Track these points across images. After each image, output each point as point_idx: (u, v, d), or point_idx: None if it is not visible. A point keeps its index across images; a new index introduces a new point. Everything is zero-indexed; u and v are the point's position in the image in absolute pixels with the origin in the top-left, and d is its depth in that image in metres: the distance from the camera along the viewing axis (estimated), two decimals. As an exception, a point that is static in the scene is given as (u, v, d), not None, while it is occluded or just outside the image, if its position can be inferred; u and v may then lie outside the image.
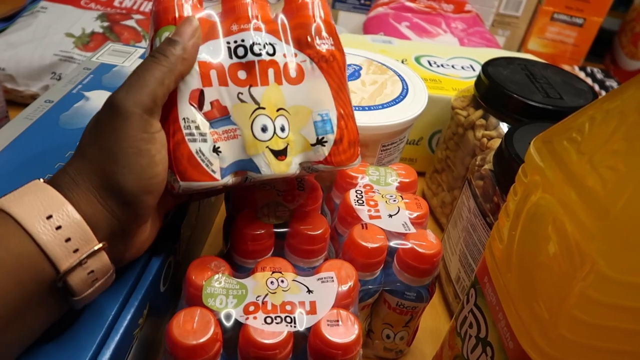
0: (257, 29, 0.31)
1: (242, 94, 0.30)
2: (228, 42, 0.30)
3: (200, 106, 0.29)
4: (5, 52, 0.62)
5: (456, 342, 0.34)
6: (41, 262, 0.23)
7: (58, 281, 0.24)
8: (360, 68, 0.50)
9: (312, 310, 0.29)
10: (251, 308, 0.29)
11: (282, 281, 0.31)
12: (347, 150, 0.32)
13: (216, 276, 0.30)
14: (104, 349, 0.27)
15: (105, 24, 0.67)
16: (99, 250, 0.25)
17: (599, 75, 0.91)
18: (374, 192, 0.39)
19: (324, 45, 0.32)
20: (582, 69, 0.92)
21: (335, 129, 0.32)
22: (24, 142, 0.39)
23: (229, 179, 0.30)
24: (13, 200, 0.24)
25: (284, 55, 0.31)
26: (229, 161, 0.30)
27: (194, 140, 0.29)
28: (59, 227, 0.24)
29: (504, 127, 0.48)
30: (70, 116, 0.42)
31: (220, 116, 0.30)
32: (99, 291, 0.26)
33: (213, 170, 0.29)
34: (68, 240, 0.24)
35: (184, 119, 0.29)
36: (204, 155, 0.29)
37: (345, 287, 0.31)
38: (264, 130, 0.30)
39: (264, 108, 0.30)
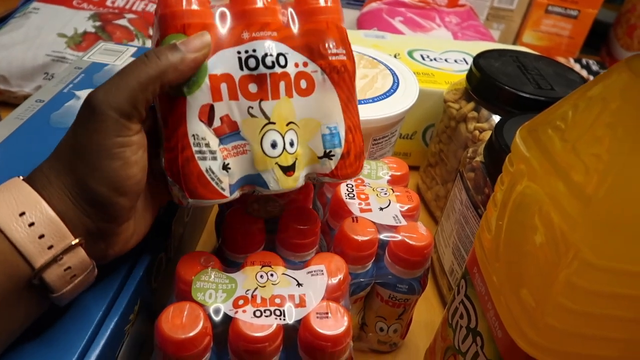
0: (269, 37, 0.29)
1: (252, 108, 0.29)
2: (239, 52, 0.29)
3: (210, 122, 0.28)
4: (-3, 53, 0.62)
5: (448, 334, 0.34)
6: (15, 259, 0.23)
7: (34, 278, 0.24)
8: (352, 63, 0.50)
9: (302, 304, 0.29)
10: (240, 302, 0.29)
11: (272, 275, 0.31)
12: (353, 164, 0.32)
13: (206, 271, 0.30)
14: (93, 345, 0.27)
15: (98, 23, 0.67)
16: (75, 246, 0.25)
17: (595, 67, 0.91)
18: (365, 185, 0.39)
19: (336, 56, 0.31)
20: (578, 61, 0.92)
21: (343, 142, 0.31)
22: (15, 141, 0.39)
23: (237, 194, 0.30)
24: None
25: (296, 65, 0.30)
26: (238, 177, 0.30)
27: (204, 159, 0.28)
28: (32, 224, 0.23)
29: (496, 119, 0.48)
30: (61, 115, 0.42)
31: (230, 132, 0.29)
32: (81, 287, 0.26)
33: (222, 188, 0.29)
34: (42, 236, 0.24)
35: (193, 135, 0.28)
36: (213, 173, 0.29)
37: (335, 280, 0.31)
38: (273, 147, 0.30)
39: (274, 123, 0.30)
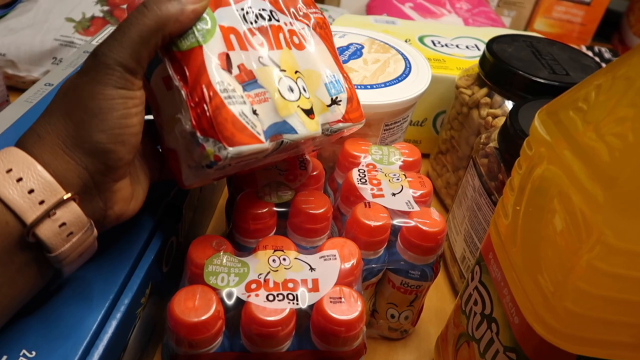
0: None
1: (262, 57, 0.30)
2: (237, 10, 0.30)
3: (229, 70, 0.28)
4: (5, 38, 0.61)
5: (461, 320, 0.34)
6: (5, 216, 0.23)
7: (27, 235, 0.23)
8: (363, 47, 0.50)
9: (315, 288, 0.29)
10: (253, 286, 0.29)
11: (284, 259, 0.31)
12: (357, 109, 0.35)
13: (218, 254, 0.30)
14: (105, 327, 0.27)
15: (106, 8, 0.67)
16: (67, 200, 0.24)
17: (607, 55, 0.89)
18: (377, 171, 0.39)
19: (314, 14, 0.34)
20: (590, 48, 0.91)
21: (344, 88, 0.34)
22: (24, 124, 0.38)
23: (269, 144, 0.29)
24: None
25: (285, 24, 0.32)
26: (266, 125, 0.29)
27: (235, 103, 0.27)
28: (20, 179, 0.23)
29: (509, 105, 0.47)
30: (71, 99, 0.42)
31: (248, 80, 0.29)
32: (82, 250, 0.25)
33: (258, 132, 0.28)
34: (31, 191, 0.23)
35: (218, 83, 0.27)
36: (247, 117, 0.28)
37: (348, 265, 0.30)
38: (291, 91, 0.30)
39: (285, 70, 0.30)
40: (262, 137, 0.28)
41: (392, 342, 0.42)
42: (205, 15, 0.28)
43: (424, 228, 0.34)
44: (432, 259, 0.36)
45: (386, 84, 0.44)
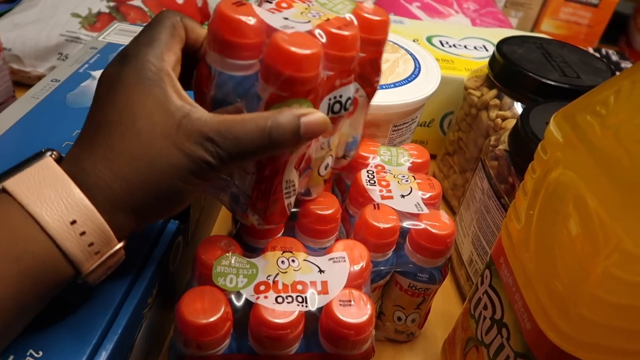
0: (352, 81, 0.29)
1: (323, 143, 0.31)
2: (329, 99, 0.29)
3: (298, 166, 0.29)
4: (10, 33, 0.61)
5: (470, 325, 0.34)
6: (63, 264, 0.23)
7: (78, 280, 0.24)
8: (371, 47, 0.49)
9: (324, 290, 0.29)
10: (262, 287, 0.28)
11: (293, 261, 0.30)
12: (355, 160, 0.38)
13: (226, 255, 0.30)
14: (114, 326, 0.27)
15: (112, 3, 0.66)
16: (119, 249, 0.24)
17: (614, 57, 0.89)
18: (385, 172, 0.38)
19: (377, 83, 0.33)
20: (597, 50, 0.90)
21: (357, 145, 0.36)
22: (30, 120, 0.39)
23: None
24: (30, 193, 0.22)
25: (355, 92, 0.31)
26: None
27: (289, 197, 0.30)
28: (83, 233, 0.23)
29: (519, 107, 0.46)
30: (77, 95, 0.42)
31: (305, 167, 0.31)
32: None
33: (290, 210, 0.31)
34: (91, 245, 0.23)
35: (286, 181, 0.29)
36: (291, 204, 0.31)
37: (357, 267, 0.30)
38: (325, 168, 0.33)
39: (331, 149, 0.32)
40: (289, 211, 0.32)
41: (398, 345, 0.42)
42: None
43: (433, 231, 0.34)
44: (441, 261, 0.35)
45: (396, 85, 0.44)
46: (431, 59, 0.49)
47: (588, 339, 0.24)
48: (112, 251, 0.24)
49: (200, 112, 0.24)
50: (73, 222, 0.22)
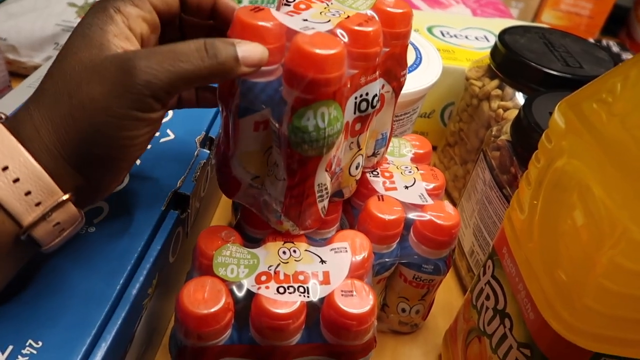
0: (377, 77, 0.29)
1: (353, 143, 0.31)
2: (356, 97, 0.28)
3: (330, 167, 0.29)
4: (6, 23, 0.60)
5: (472, 315, 0.34)
6: (1, 216, 0.22)
7: (22, 235, 0.23)
8: (372, 36, 0.49)
9: (326, 281, 0.29)
10: (263, 278, 0.28)
11: (295, 251, 0.30)
12: (385, 157, 0.37)
13: (227, 245, 0.30)
14: (113, 317, 0.27)
15: (109, -7, 0.65)
16: (64, 202, 0.23)
17: (615, 49, 0.88)
18: (388, 163, 0.38)
19: (403, 77, 0.32)
20: (598, 42, 0.90)
21: (386, 143, 0.35)
22: (27, 110, 0.38)
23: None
24: None
25: (381, 88, 0.30)
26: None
27: (322, 200, 0.30)
28: (16, 180, 0.22)
29: (520, 97, 0.46)
30: (75, 85, 0.41)
31: (336, 167, 0.31)
32: (69, 237, 0.25)
33: (323, 214, 0.31)
34: (28, 193, 0.22)
35: (318, 184, 0.29)
36: (325, 208, 0.31)
37: (359, 258, 0.30)
38: (357, 168, 0.33)
39: (361, 148, 0.32)
40: (323, 215, 0.31)
41: (401, 336, 0.42)
42: (340, 117, 0.26)
43: (438, 222, 0.33)
44: (446, 252, 0.35)
45: (397, 74, 0.43)
46: (432, 49, 0.48)
47: (592, 329, 0.24)
48: (55, 203, 0.23)
49: (134, 47, 0.24)
50: (5, 169, 0.22)
